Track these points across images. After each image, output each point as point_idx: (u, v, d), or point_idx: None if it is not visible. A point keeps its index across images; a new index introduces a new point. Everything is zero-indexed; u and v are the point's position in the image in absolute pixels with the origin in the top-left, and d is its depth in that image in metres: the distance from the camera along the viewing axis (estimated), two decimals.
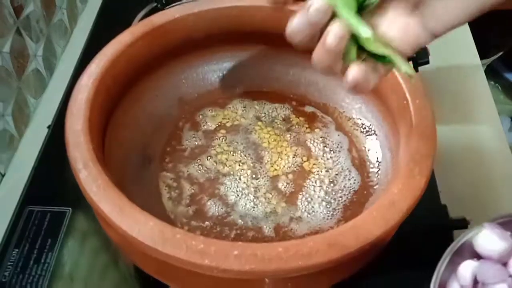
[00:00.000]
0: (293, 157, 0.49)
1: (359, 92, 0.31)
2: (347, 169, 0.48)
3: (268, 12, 0.47)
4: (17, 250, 0.48)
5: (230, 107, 0.53)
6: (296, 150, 0.50)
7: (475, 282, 0.36)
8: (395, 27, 0.30)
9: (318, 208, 0.45)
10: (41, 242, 0.49)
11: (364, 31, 0.29)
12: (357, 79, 0.30)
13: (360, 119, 0.51)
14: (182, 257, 0.31)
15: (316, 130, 0.51)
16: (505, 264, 0.36)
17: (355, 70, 0.30)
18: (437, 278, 0.35)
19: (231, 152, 0.49)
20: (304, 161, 0.49)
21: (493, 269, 0.35)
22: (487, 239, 0.36)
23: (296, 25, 0.30)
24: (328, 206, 0.45)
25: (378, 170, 0.48)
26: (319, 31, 0.30)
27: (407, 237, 0.41)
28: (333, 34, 0.29)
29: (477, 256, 0.37)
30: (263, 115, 0.53)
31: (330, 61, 0.30)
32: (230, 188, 0.46)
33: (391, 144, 0.47)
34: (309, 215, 0.45)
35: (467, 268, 0.36)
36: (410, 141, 0.39)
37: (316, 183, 0.47)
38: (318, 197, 0.46)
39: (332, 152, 0.50)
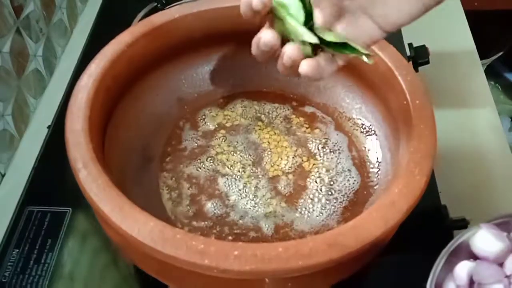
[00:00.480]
0: (293, 157, 0.49)
1: (314, 81, 0.38)
2: (347, 169, 0.48)
3: None
4: (17, 250, 0.48)
5: (230, 107, 0.53)
6: (296, 150, 0.50)
7: (471, 282, 0.35)
8: (350, 28, 0.34)
9: (318, 208, 0.45)
10: (41, 242, 0.49)
11: (310, 38, 0.33)
12: (307, 73, 0.34)
13: (360, 119, 0.51)
14: (182, 257, 0.31)
15: (316, 130, 0.51)
16: (501, 265, 0.36)
17: (304, 66, 0.34)
18: (433, 278, 0.35)
19: (231, 152, 0.49)
20: (304, 161, 0.49)
21: (489, 270, 0.35)
22: (483, 239, 0.36)
23: (255, 52, 0.37)
24: (328, 206, 0.45)
25: (378, 170, 0.48)
26: (277, 50, 0.36)
27: (407, 237, 0.40)
28: (287, 56, 0.34)
29: (474, 256, 0.37)
30: (263, 115, 0.53)
31: (291, 71, 0.35)
32: (230, 188, 0.46)
33: (391, 144, 0.47)
34: (309, 215, 0.45)
35: (463, 268, 0.36)
36: (410, 141, 0.39)
37: (316, 183, 0.47)
38: (318, 197, 0.46)
39: (332, 152, 0.50)
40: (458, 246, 0.37)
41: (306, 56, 0.35)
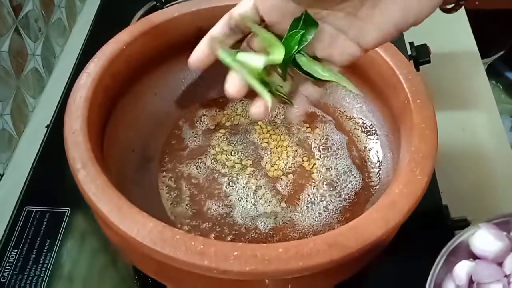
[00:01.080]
0: (293, 157, 0.49)
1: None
2: (348, 169, 0.48)
3: None
4: (16, 250, 0.48)
5: (230, 107, 0.53)
6: (296, 150, 0.49)
7: (471, 282, 0.35)
8: (333, 48, 0.35)
9: (319, 208, 0.45)
10: (40, 242, 0.49)
11: (266, 96, 0.35)
12: (256, 116, 0.37)
13: (361, 119, 0.51)
14: (182, 258, 0.31)
15: (317, 130, 0.51)
16: (500, 264, 0.36)
17: (253, 111, 0.37)
18: (432, 278, 0.35)
19: (231, 152, 0.49)
20: (304, 161, 0.48)
21: (488, 269, 0.35)
22: (482, 239, 0.36)
23: None
24: (328, 206, 0.45)
25: (379, 170, 0.47)
26: None
27: (409, 237, 0.40)
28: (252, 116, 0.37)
29: (473, 256, 0.37)
30: None
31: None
32: (230, 188, 0.46)
33: (392, 143, 0.46)
34: (309, 216, 0.45)
35: (462, 268, 0.36)
36: (411, 141, 0.39)
37: (316, 183, 0.47)
38: (319, 197, 0.46)
39: (332, 152, 0.49)
40: (458, 246, 0.36)
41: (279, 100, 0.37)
